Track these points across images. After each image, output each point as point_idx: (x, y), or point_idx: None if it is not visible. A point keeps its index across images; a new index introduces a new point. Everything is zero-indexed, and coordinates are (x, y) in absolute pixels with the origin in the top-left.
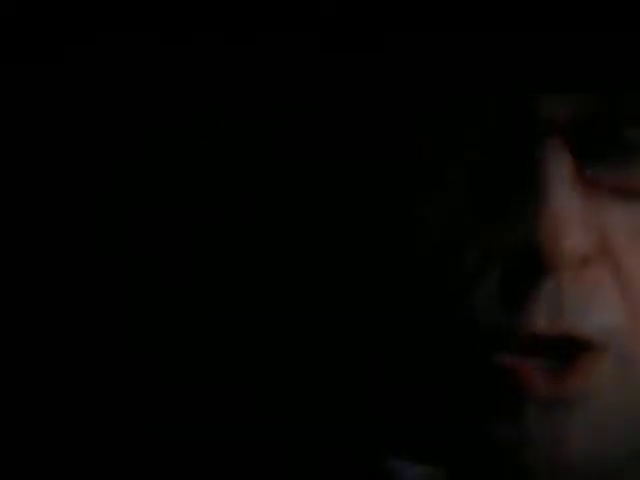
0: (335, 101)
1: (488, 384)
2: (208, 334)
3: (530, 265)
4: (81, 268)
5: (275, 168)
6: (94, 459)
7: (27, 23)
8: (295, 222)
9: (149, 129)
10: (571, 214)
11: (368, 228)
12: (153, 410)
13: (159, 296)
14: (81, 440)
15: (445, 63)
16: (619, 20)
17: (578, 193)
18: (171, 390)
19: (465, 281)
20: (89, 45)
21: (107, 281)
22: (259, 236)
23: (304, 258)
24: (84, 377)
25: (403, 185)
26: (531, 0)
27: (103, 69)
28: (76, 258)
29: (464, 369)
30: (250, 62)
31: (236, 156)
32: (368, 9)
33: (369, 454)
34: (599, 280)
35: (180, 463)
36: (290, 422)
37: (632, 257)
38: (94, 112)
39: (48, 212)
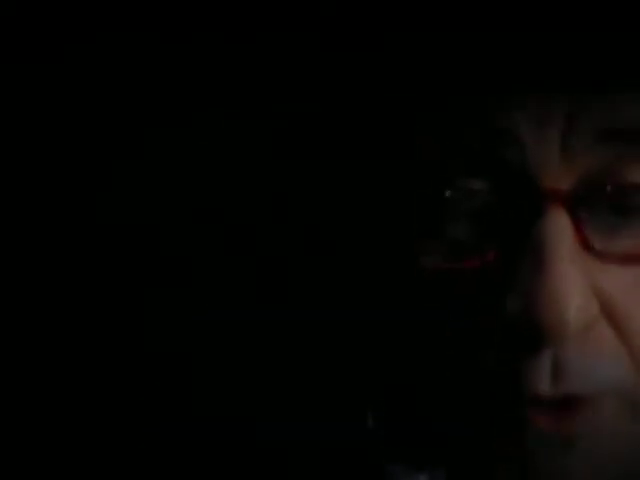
0: (335, 101)
1: (489, 417)
2: (207, 334)
3: (530, 334)
4: (81, 268)
5: (275, 168)
6: (94, 459)
7: (27, 23)
8: (295, 222)
9: (149, 129)
10: (571, 287)
11: (367, 229)
12: (153, 410)
13: (159, 296)
14: (81, 440)
15: (445, 63)
16: (619, 21)
17: (578, 262)
18: (171, 390)
19: (464, 336)
20: (89, 45)
21: (106, 281)
22: (259, 236)
23: (304, 258)
24: (84, 377)
25: (404, 185)
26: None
27: (103, 69)
28: (76, 258)
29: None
30: (250, 62)
31: (236, 156)
32: (368, 9)
33: (369, 454)
34: (601, 340)
35: (180, 463)
36: (290, 422)
37: (634, 314)
38: (94, 112)
39: (48, 212)
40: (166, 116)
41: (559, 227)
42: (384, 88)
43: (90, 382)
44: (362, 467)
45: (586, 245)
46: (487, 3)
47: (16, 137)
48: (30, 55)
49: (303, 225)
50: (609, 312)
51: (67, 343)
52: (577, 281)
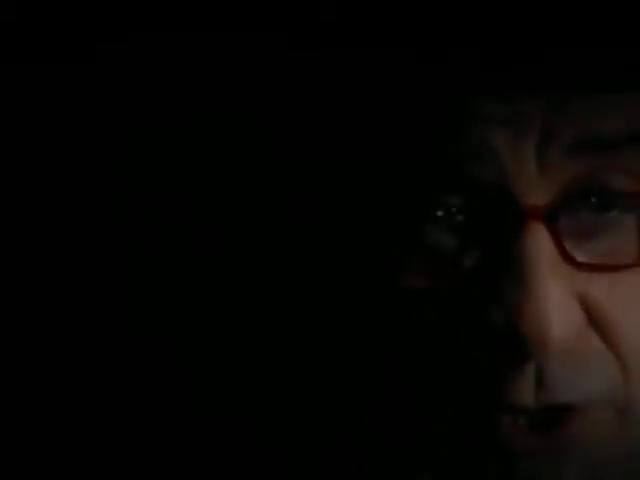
0: (335, 102)
1: (479, 437)
2: (205, 334)
3: (514, 348)
4: (80, 266)
5: (274, 168)
6: (94, 459)
7: (28, 23)
8: (294, 221)
9: (149, 129)
10: (554, 303)
11: (353, 241)
12: (151, 409)
13: (158, 295)
14: (81, 440)
15: (419, 73)
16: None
17: (561, 275)
18: (168, 389)
19: (450, 348)
20: (89, 45)
21: (106, 280)
22: (258, 236)
23: (304, 258)
24: (83, 376)
25: (387, 198)
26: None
27: (104, 69)
28: (76, 256)
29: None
30: (250, 62)
31: (236, 156)
32: (370, 7)
33: (356, 453)
34: (588, 349)
35: (179, 463)
36: (287, 423)
37: (621, 320)
38: (95, 112)
39: (48, 211)
40: (166, 116)
41: (539, 242)
42: (361, 99)
43: (89, 381)
44: (349, 466)
45: (568, 258)
46: (466, 11)
47: (17, 137)
48: (32, 55)
49: (302, 224)
50: (596, 320)
51: (66, 340)
52: (560, 295)
